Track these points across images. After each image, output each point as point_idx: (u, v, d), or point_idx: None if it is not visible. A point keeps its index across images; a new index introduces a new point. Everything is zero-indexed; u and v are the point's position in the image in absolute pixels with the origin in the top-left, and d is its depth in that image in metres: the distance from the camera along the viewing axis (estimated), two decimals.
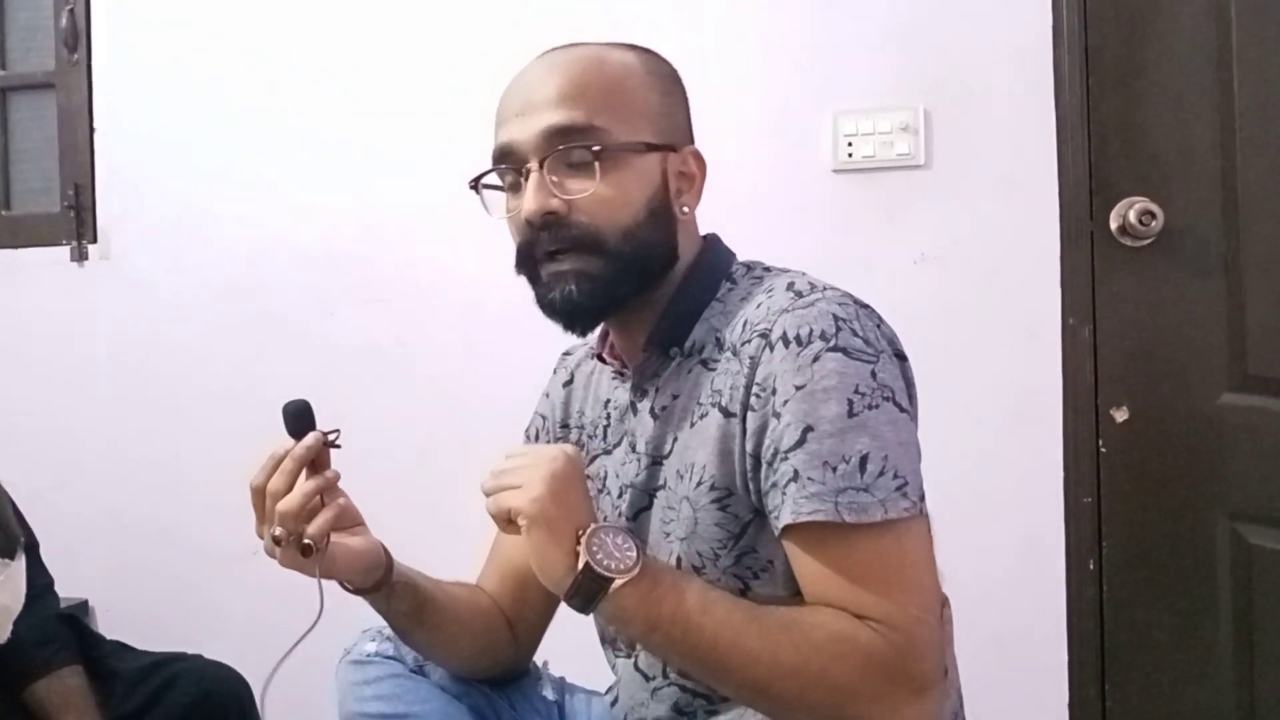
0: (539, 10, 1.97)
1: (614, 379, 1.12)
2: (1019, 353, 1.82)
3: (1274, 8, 1.70)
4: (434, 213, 2.05)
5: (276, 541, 0.97)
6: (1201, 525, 1.77)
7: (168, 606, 2.09)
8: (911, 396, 0.97)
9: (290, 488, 0.98)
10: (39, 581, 1.52)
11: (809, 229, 1.88)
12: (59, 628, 1.51)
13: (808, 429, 0.88)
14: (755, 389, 0.92)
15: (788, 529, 0.90)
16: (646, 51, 1.08)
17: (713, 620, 0.89)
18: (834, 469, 0.87)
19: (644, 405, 1.05)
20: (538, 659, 1.24)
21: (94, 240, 2.24)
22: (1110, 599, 1.79)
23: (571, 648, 1.20)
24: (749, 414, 0.93)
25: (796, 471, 0.88)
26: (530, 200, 0.98)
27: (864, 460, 0.87)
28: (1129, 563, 1.79)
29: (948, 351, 1.83)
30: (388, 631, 1.14)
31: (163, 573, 2.15)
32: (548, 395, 1.23)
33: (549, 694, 1.19)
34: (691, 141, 1.08)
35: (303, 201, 2.12)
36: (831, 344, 0.90)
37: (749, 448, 0.93)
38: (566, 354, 1.25)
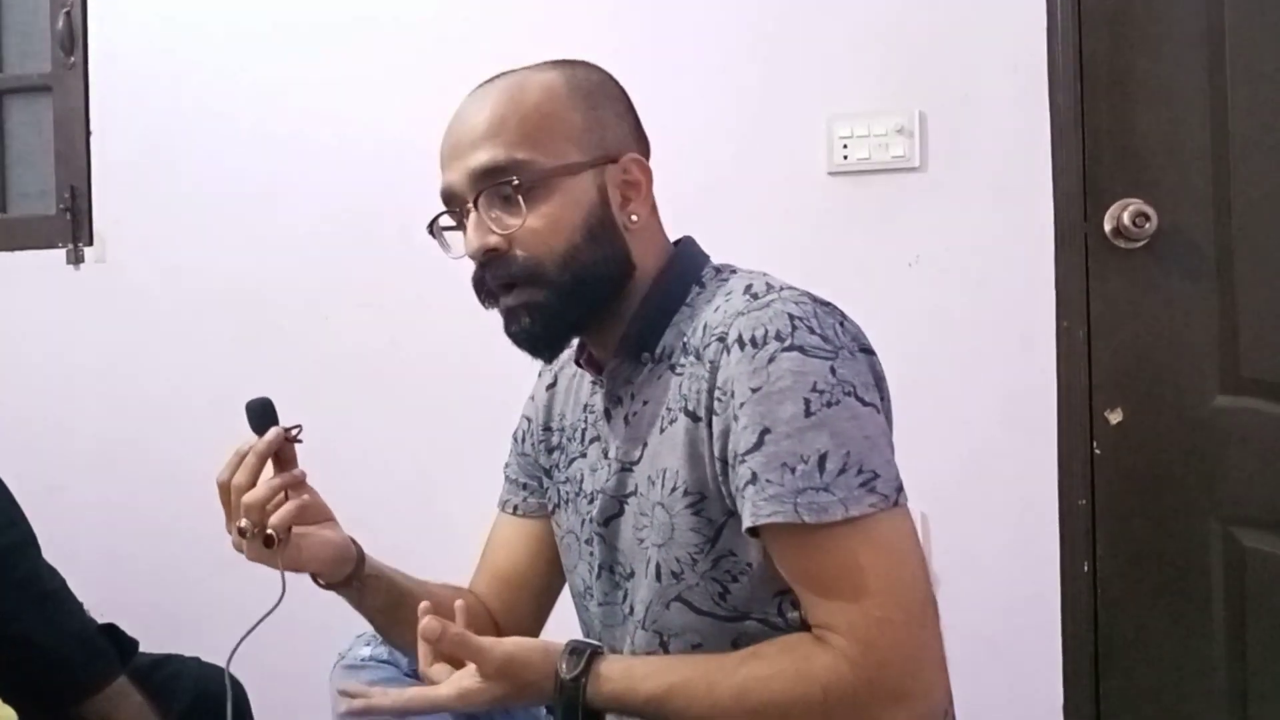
0: (532, 17, 1.97)
1: (593, 383, 1.12)
2: (1013, 355, 1.82)
3: (1267, 9, 1.70)
4: (428, 216, 2.05)
5: (242, 533, 0.99)
6: (1195, 528, 1.77)
7: (165, 609, 2.08)
8: (882, 391, 0.97)
9: (254, 482, 1.00)
10: (50, 584, 1.50)
11: (804, 232, 1.88)
12: (103, 641, 1.51)
13: (765, 431, 0.88)
14: (717, 393, 0.93)
15: (755, 531, 0.90)
16: (573, 66, 1.06)
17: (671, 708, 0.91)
18: (792, 470, 0.87)
19: (617, 412, 1.06)
20: None
21: (90, 243, 2.24)
22: (1104, 602, 1.79)
23: None
24: (714, 418, 0.93)
25: (754, 474, 0.89)
26: (470, 240, 1.00)
27: (823, 459, 0.87)
28: (1123, 565, 1.79)
29: (942, 354, 1.83)
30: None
31: (159, 575, 2.15)
32: (533, 398, 1.25)
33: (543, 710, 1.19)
34: (637, 147, 1.06)
35: (298, 205, 2.13)
36: (787, 344, 0.90)
37: (716, 452, 0.93)
38: None
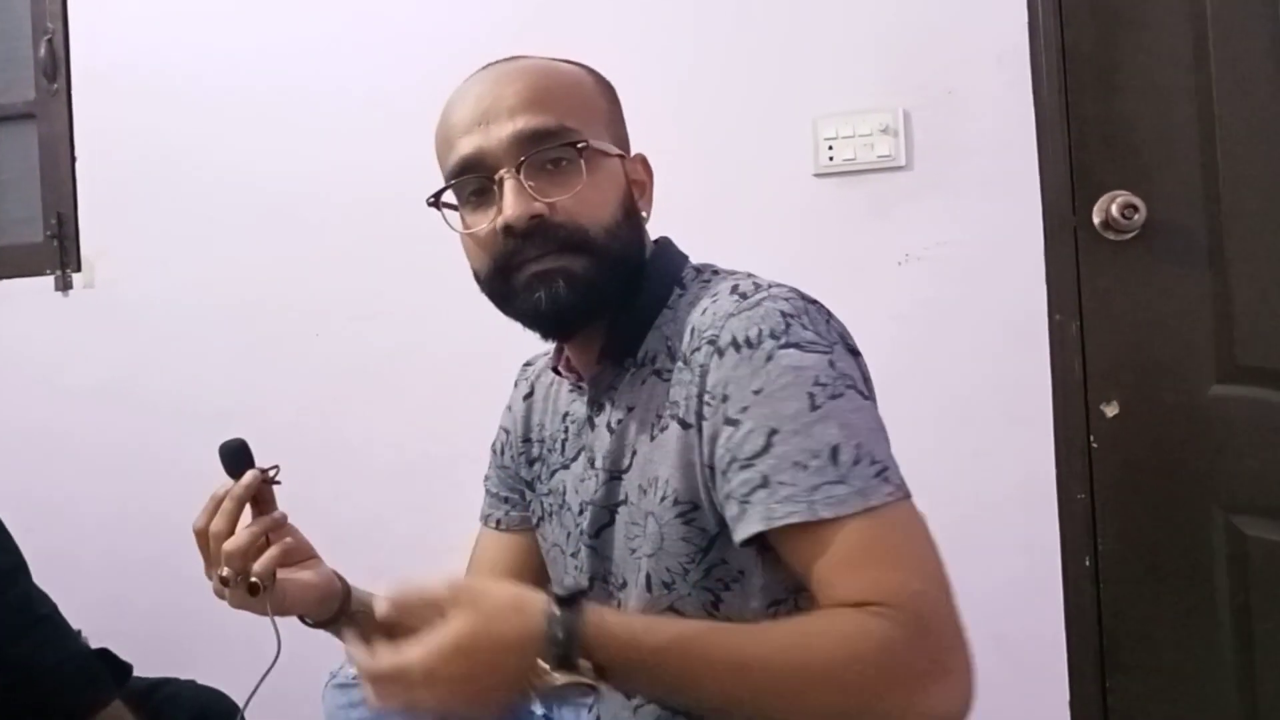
0: (519, 18, 1.97)
1: (571, 391, 1.09)
2: (1006, 351, 1.81)
3: None
4: (423, 227, 2.04)
5: (224, 582, 0.96)
6: (1197, 518, 1.76)
7: (161, 632, 2.07)
8: (870, 388, 0.93)
9: (232, 528, 0.97)
10: (42, 609, 1.50)
11: (792, 233, 1.88)
12: (96, 665, 1.50)
13: (772, 431, 0.85)
14: (706, 397, 0.90)
15: (769, 536, 0.85)
16: (583, 64, 1.06)
17: (700, 684, 0.80)
18: (805, 467, 0.83)
19: (601, 419, 1.03)
20: None
21: (78, 269, 2.23)
22: (1108, 596, 1.78)
23: None
24: (703, 424, 0.90)
25: (765, 478, 0.84)
26: (512, 206, 0.93)
27: (835, 451, 0.83)
28: (1125, 559, 1.78)
29: (935, 351, 1.83)
30: None
31: (156, 598, 2.14)
32: (510, 409, 1.22)
33: (537, 708, 1.18)
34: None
35: (289, 221, 2.12)
36: (782, 341, 0.87)
37: (704, 458, 0.90)
38: (527, 364, 1.23)
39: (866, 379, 0.93)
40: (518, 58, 1.02)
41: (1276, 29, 1.67)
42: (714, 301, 0.94)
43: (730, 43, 1.92)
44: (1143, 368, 1.78)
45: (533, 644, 0.77)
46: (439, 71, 2.01)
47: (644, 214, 1.03)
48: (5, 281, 2.27)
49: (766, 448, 0.85)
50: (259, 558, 0.96)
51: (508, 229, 0.94)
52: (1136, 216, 1.73)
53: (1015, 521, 1.81)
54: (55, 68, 2.25)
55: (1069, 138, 1.78)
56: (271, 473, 1.01)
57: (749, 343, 0.88)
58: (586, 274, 0.95)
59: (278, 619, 0.99)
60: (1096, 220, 1.76)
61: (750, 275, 0.98)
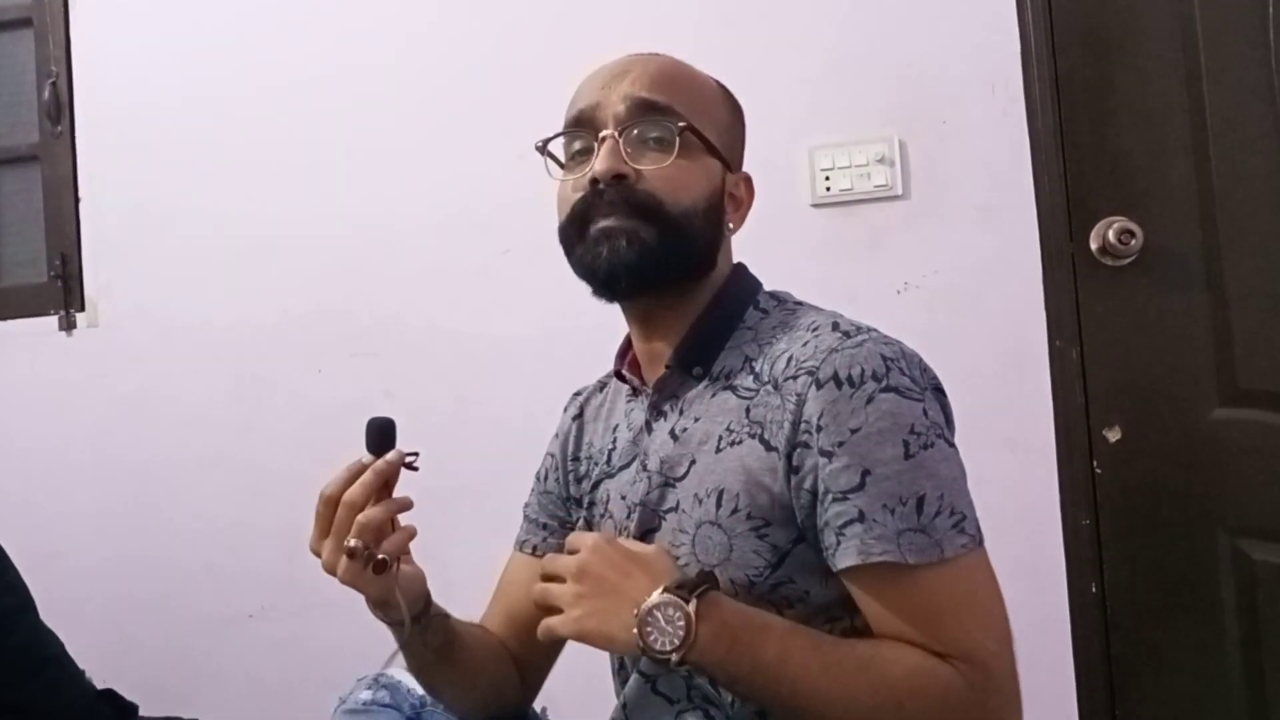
0: (515, 59, 1.99)
1: (629, 400, 1.12)
2: (1007, 378, 1.81)
3: (1238, 21, 1.72)
4: (419, 265, 2.06)
5: (350, 554, 0.95)
6: (1202, 543, 1.75)
7: (166, 672, 2.06)
8: (952, 429, 0.99)
9: (367, 501, 0.97)
10: (49, 649, 1.49)
11: (791, 263, 1.84)
12: (102, 706, 1.50)
13: (866, 472, 0.90)
14: (802, 425, 0.93)
15: (853, 570, 0.91)
16: (720, 82, 1.14)
17: (791, 670, 0.89)
18: (893, 511, 0.89)
19: (661, 425, 1.06)
20: (537, 705, 1.23)
21: (81, 309, 2.24)
22: (1114, 622, 1.77)
23: (571, 691, 1.19)
24: (795, 451, 0.94)
25: (861, 513, 0.90)
26: (603, 160, 1.00)
27: (921, 501, 0.90)
28: (1131, 584, 1.77)
29: None
30: (384, 679, 1.13)
31: (160, 639, 2.13)
32: (557, 435, 1.24)
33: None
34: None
35: (287, 260, 2.14)
36: (884, 385, 0.92)
37: (807, 485, 0.93)
38: (577, 394, 1.26)
39: (950, 421, 0.99)
40: (660, 54, 1.09)
41: (1268, 53, 1.68)
42: (815, 335, 0.97)
43: (725, 74, 1.91)
44: (1144, 392, 1.78)
45: (657, 562, 0.94)
46: (436, 114, 2.06)
47: (731, 226, 1.08)
48: (9, 322, 2.28)
49: (860, 486, 0.90)
50: (390, 538, 0.97)
51: (593, 181, 1.00)
52: (1134, 242, 1.74)
53: (1019, 548, 1.79)
54: (59, 111, 2.27)
55: (1064, 164, 1.79)
56: (411, 459, 1.02)
57: (850, 381, 0.92)
58: (651, 242, 0.99)
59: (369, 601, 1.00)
60: (1094, 246, 1.77)
61: (839, 313, 1.03)
